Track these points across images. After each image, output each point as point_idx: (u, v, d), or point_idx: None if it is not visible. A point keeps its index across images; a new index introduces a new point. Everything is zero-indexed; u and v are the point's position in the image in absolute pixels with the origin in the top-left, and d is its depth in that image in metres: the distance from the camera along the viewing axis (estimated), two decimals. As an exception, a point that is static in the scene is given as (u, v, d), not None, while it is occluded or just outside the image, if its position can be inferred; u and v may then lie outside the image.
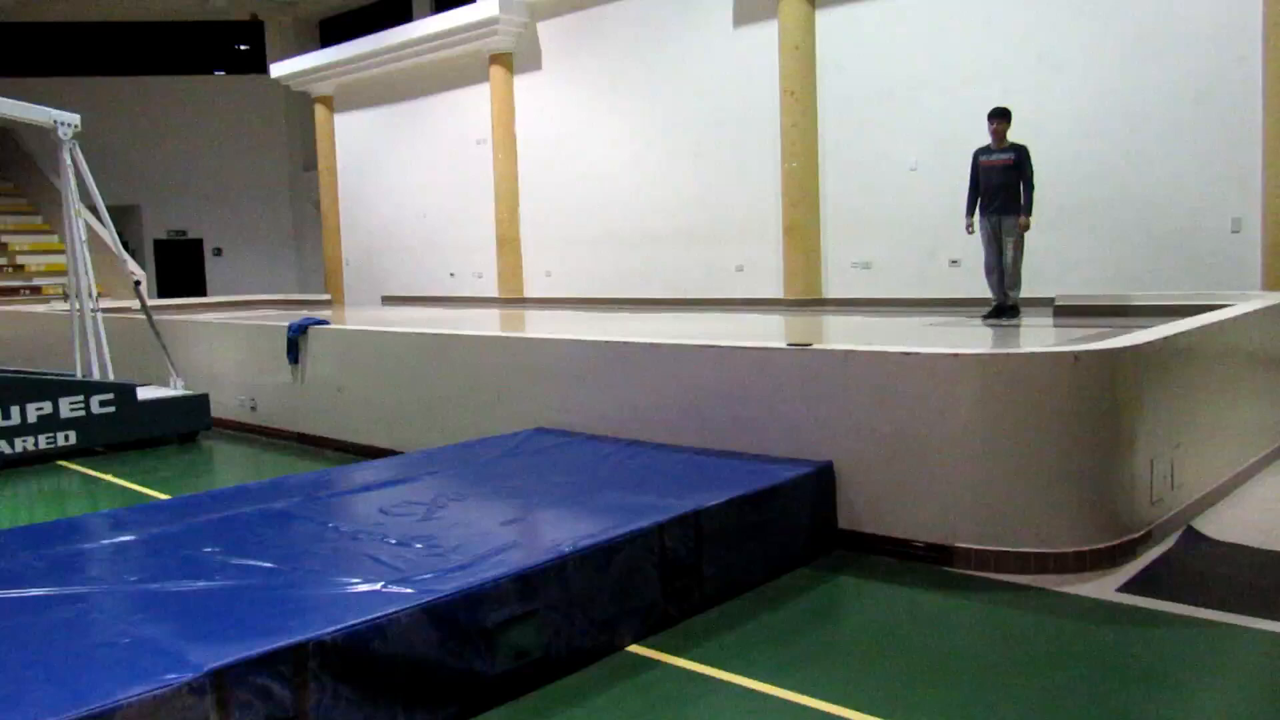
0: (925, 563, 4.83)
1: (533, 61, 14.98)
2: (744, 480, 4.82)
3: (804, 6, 11.53)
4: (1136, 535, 4.79)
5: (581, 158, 14.45)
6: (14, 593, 3.57)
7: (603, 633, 3.90)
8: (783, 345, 5.55)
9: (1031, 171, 8.16)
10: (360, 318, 13.11)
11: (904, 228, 11.06)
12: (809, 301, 11.64)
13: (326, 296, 18.47)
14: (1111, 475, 4.72)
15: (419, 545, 3.98)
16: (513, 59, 15.19)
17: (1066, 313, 8.67)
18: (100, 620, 3.31)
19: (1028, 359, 4.79)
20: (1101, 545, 4.66)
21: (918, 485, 4.90)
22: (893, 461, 4.97)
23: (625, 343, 6.26)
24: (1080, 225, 9.78)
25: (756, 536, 4.64)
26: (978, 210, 8.37)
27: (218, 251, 24.23)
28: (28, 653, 3.02)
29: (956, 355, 4.83)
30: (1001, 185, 8.20)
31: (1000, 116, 8.29)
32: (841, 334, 8.57)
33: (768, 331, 8.84)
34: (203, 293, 22.59)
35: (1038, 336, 7.39)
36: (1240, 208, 9.00)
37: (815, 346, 5.38)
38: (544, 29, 14.80)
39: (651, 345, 6.09)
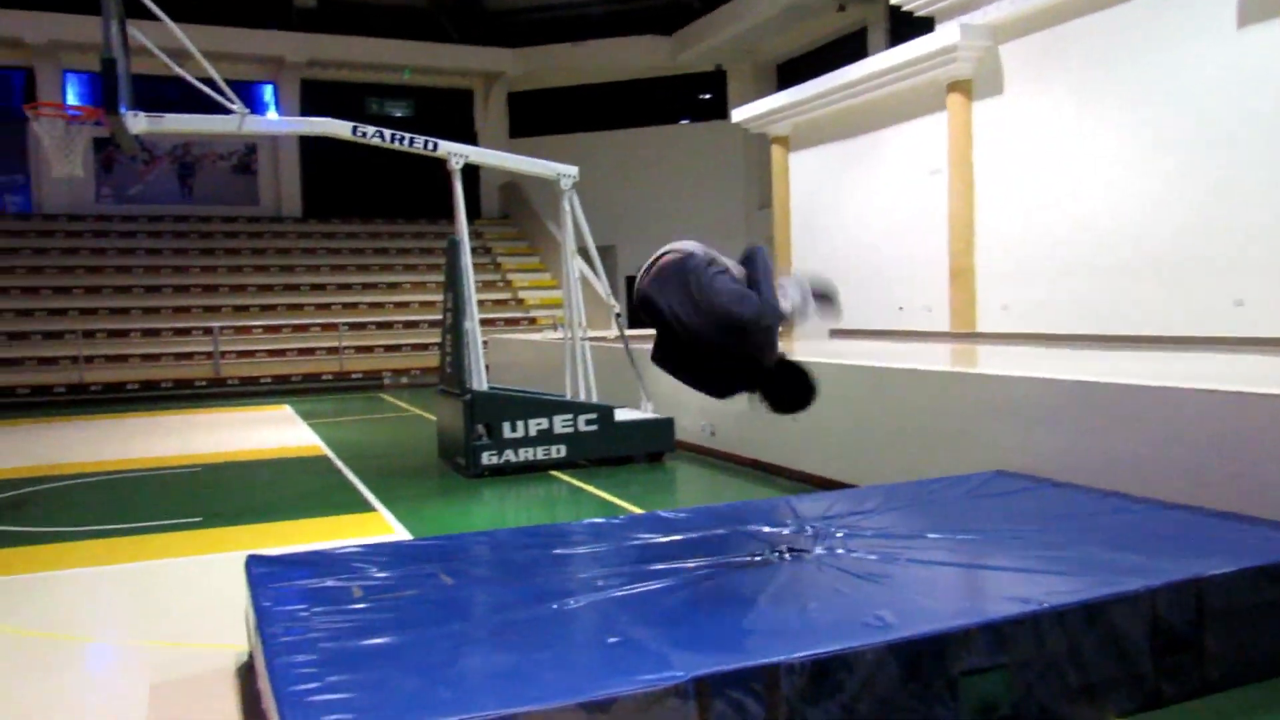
0: None
1: (993, 87, 14.38)
2: (1257, 549, 4.14)
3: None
4: None
5: (1044, 185, 13.56)
6: (520, 584, 4.11)
7: (1082, 701, 3.57)
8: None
9: None
10: (811, 350, 13.39)
11: None
12: (1333, 342, 9.84)
13: (776, 329, 19.10)
14: None
15: (883, 580, 3.94)
16: (972, 85, 14.69)
17: None
18: (588, 619, 3.67)
19: None
20: None
21: None
22: None
23: (1100, 383, 5.73)
24: None
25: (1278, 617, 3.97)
26: None
27: (681, 288, 26.12)
28: (534, 639, 3.43)
29: None
30: None
31: None
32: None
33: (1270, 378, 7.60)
34: (665, 325, 24.46)
35: None
36: None
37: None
38: (1007, 51, 14.15)
39: (1132, 387, 5.51)
